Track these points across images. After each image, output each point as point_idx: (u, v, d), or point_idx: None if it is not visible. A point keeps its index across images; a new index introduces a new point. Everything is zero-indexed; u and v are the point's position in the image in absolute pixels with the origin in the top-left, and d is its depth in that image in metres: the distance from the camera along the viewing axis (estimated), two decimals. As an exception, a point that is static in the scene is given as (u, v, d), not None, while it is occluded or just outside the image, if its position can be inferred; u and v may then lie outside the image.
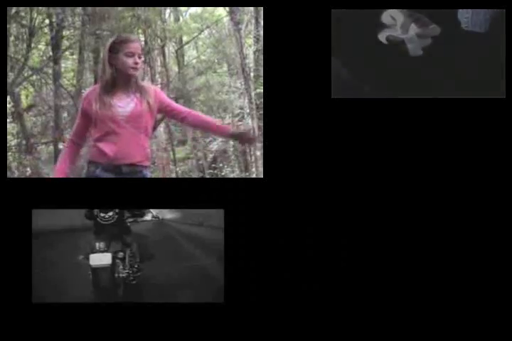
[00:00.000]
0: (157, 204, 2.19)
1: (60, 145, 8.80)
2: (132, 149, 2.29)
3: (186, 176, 13.74)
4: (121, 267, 2.33)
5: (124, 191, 2.15)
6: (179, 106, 2.50)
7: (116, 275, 2.26)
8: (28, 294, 2.08)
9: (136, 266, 2.49)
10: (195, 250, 4.27)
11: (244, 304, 2.07)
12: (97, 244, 2.24)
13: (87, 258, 2.20)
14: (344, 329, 2.05)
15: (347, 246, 2.10)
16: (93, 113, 2.28)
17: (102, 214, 2.36)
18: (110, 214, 2.36)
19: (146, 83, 2.46)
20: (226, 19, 11.99)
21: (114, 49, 2.30)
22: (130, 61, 2.29)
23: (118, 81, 2.32)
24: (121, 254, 2.31)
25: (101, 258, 2.20)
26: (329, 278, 2.08)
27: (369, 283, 2.08)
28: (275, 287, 2.07)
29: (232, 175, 13.35)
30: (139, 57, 2.31)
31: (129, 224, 2.58)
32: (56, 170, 2.38)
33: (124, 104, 2.30)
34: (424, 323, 2.06)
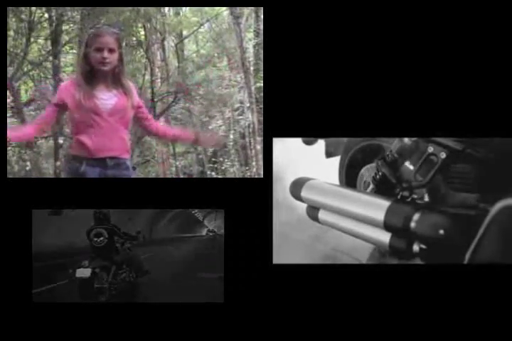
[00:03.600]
0: (157, 204, 2.19)
1: (61, 140, 8.79)
2: (113, 142, 2.29)
3: (186, 170, 13.75)
4: (104, 279, 2.84)
5: (124, 191, 2.15)
6: (147, 111, 2.51)
7: (96, 285, 2.76)
8: (28, 293, 2.09)
9: (116, 279, 3.00)
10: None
11: (244, 304, 2.07)
12: (83, 262, 2.77)
13: (75, 272, 2.74)
14: (346, 328, 2.05)
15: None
16: (76, 103, 2.26)
17: (95, 239, 2.93)
18: (101, 238, 2.93)
19: (127, 80, 2.41)
20: (226, 13, 11.96)
21: (88, 44, 2.28)
22: (98, 56, 2.25)
23: (95, 75, 2.30)
24: (97, 270, 2.80)
25: (83, 272, 2.73)
26: (328, 277, 2.08)
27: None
28: (275, 287, 2.07)
29: (232, 170, 13.37)
30: (111, 52, 2.26)
31: (129, 245, 3.25)
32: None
33: (107, 97, 2.29)
34: None
